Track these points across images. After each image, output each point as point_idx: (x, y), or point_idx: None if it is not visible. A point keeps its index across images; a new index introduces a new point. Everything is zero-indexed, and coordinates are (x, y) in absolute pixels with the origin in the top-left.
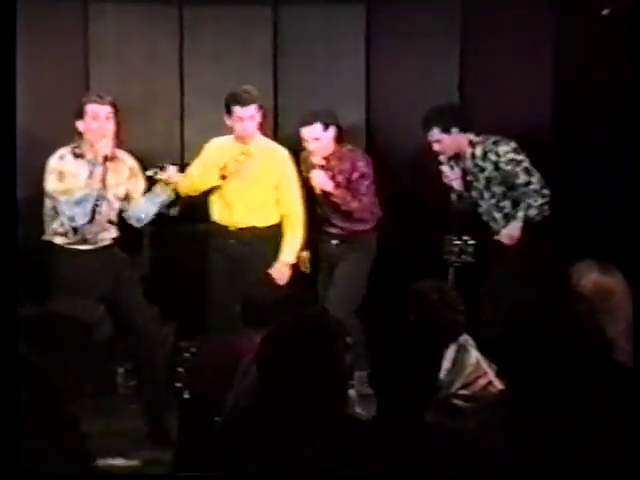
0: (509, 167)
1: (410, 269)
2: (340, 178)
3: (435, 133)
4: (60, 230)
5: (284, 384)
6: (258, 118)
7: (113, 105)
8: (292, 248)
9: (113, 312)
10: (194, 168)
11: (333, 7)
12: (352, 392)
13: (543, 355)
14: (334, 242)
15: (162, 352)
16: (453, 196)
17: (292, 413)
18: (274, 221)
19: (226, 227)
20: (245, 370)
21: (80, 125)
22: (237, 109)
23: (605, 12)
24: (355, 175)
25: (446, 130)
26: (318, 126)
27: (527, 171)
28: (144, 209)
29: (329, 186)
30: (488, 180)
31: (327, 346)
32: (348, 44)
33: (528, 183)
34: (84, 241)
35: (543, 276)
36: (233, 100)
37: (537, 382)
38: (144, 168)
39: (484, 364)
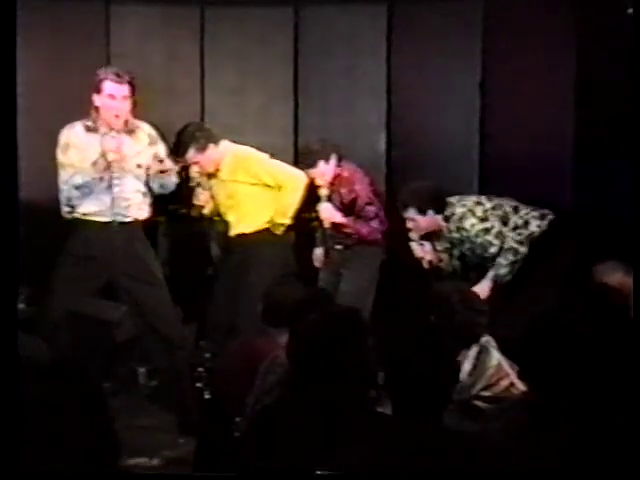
0: (480, 239)
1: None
2: (346, 202)
3: (411, 213)
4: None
5: (312, 379)
6: (210, 151)
7: (131, 84)
8: (285, 209)
9: (135, 311)
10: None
11: (354, 7)
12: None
13: (566, 356)
14: (338, 247)
15: (182, 353)
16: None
17: (314, 411)
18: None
19: (230, 236)
20: (266, 370)
21: (97, 100)
22: (189, 154)
23: (630, 11)
24: (360, 202)
25: (422, 211)
26: (321, 164)
27: (499, 235)
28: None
29: (338, 218)
30: (472, 250)
31: (357, 343)
32: (369, 44)
33: (501, 248)
34: (97, 213)
35: (564, 276)
36: (179, 147)
37: (560, 383)
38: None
39: (506, 365)
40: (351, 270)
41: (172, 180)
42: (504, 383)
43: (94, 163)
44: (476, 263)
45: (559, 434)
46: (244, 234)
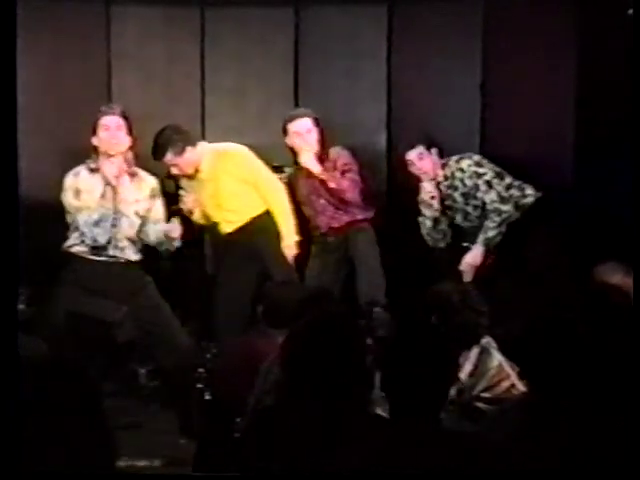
0: (471, 181)
1: (431, 271)
2: (327, 166)
3: (419, 149)
4: (78, 242)
5: (307, 382)
6: (185, 157)
7: (124, 116)
8: (288, 227)
9: (133, 314)
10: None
11: (354, 8)
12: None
13: (567, 356)
14: (330, 239)
15: (182, 354)
16: (428, 222)
17: (314, 412)
18: (262, 209)
19: (222, 235)
20: (267, 370)
21: (94, 140)
22: (166, 158)
23: (630, 12)
24: (339, 165)
25: (428, 149)
26: (309, 120)
27: (488, 184)
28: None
29: (317, 168)
30: (465, 196)
31: (350, 345)
32: (369, 44)
33: (484, 209)
34: (94, 251)
35: (563, 276)
36: (157, 150)
37: (560, 384)
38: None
39: (507, 366)
40: (360, 253)
41: (175, 244)
42: (505, 384)
43: (102, 195)
44: (464, 231)
45: (560, 435)
46: (239, 228)
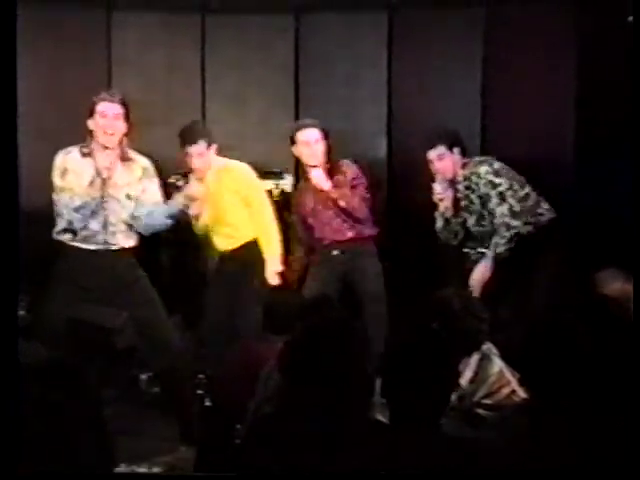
0: (485, 189)
1: (432, 277)
2: (336, 182)
3: (440, 149)
4: (66, 225)
5: (306, 388)
6: (209, 152)
7: (123, 104)
8: (274, 255)
9: (126, 309)
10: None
11: (355, 15)
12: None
13: (567, 363)
14: (335, 252)
15: (181, 362)
16: (439, 222)
17: (314, 419)
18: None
19: (218, 253)
20: (267, 377)
21: (90, 123)
22: (187, 147)
23: (630, 19)
24: (349, 179)
25: (450, 149)
26: (317, 131)
27: (501, 196)
28: (157, 220)
29: (327, 185)
30: (481, 199)
31: (350, 351)
32: (370, 52)
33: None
34: (85, 240)
35: (564, 280)
36: (182, 139)
37: (561, 391)
38: (158, 172)
39: (507, 373)
40: (365, 267)
41: (174, 212)
42: (505, 391)
43: (90, 183)
44: (474, 234)
45: (561, 442)
46: (235, 249)
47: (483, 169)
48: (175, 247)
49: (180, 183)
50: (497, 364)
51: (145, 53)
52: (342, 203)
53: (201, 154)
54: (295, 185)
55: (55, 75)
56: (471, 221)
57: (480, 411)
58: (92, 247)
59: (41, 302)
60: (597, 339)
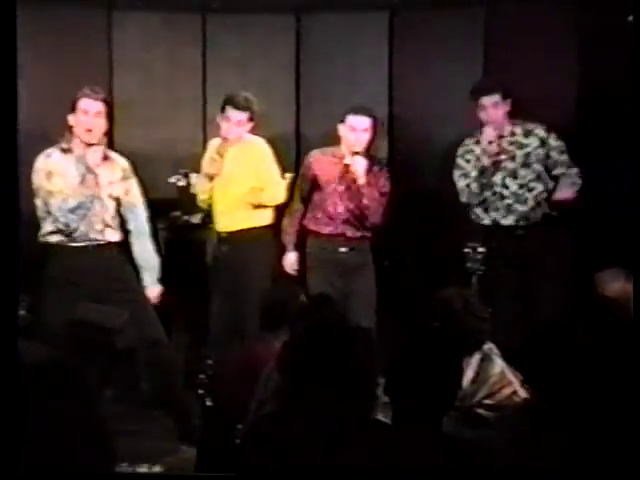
0: (559, 142)
1: (432, 277)
2: (369, 179)
3: (495, 97)
4: (54, 229)
5: (306, 388)
6: (247, 125)
7: (106, 102)
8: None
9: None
10: (197, 182)
11: (356, 15)
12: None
13: (569, 364)
14: (343, 249)
15: (177, 362)
16: (474, 172)
17: (314, 419)
18: (261, 222)
19: (218, 233)
20: (267, 377)
21: (71, 119)
22: (230, 111)
23: (630, 18)
24: (380, 184)
25: (505, 98)
26: (369, 120)
27: (560, 149)
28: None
29: (363, 180)
30: (527, 156)
31: (350, 351)
32: (371, 51)
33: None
34: (73, 239)
35: (565, 283)
36: (230, 102)
37: (563, 391)
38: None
39: (509, 373)
40: (364, 270)
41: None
42: (507, 391)
43: (82, 181)
44: (535, 177)
45: (562, 442)
46: (236, 231)
47: (539, 129)
48: (176, 246)
49: (181, 183)
50: (498, 364)
51: (146, 52)
52: (366, 201)
53: (240, 123)
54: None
55: (56, 75)
56: (505, 179)
57: (481, 411)
58: (80, 244)
59: (41, 302)
60: (598, 339)
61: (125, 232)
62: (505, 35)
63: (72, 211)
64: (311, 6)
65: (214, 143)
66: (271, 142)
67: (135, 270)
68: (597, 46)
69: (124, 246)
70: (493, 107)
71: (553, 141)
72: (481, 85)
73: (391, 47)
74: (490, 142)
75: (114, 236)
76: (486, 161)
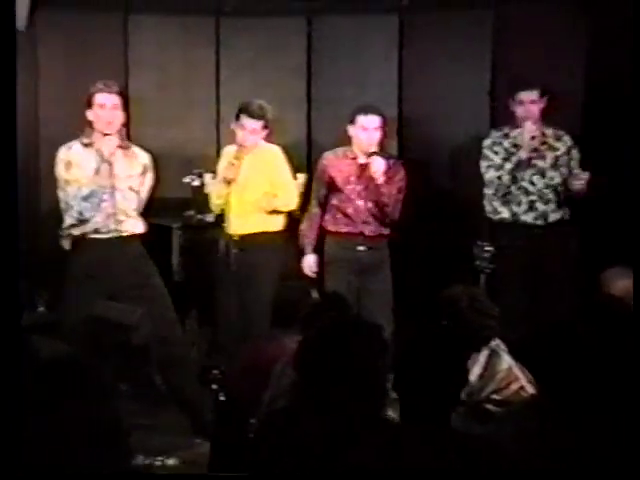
0: (580, 154)
1: (441, 275)
2: (387, 177)
3: (535, 94)
4: (74, 222)
5: (322, 386)
6: (262, 133)
7: (121, 94)
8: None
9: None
10: (212, 186)
11: (366, 18)
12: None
13: (576, 361)
14: (361, 248)
15: (191, 358)
16: (508, 165)
17: (326, 415)
18: (274, 228)
19: (230, 235)
20: (280, 372)
21: (89, 114)
22: (245, 119)
23: None
24: (396, 180)
25: (543, 95)
26: (379, 119)
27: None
28: None
29: (382, 179)
30: (557, 159)
31: (365, 350)
32: (380, 53)
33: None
34: (95, 231)
35: (575, 281)
36: (245, 110)
37: (570, 388)
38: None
39: (516, 369)
40: (381, 269)
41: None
42: (514, 387)
43: (97, 171)
44: (561, 180)
45: (568, 438)
46: (248, 234)
47: (567, 137)
48: (190, 245)
49: (196, 183)
50: (506, 360)
51: (161, 55)
52: (385, 199)
53: (255, 131)
54: None
55: (75, 75)
56: (533, 177)
57: (489, 406)
58: (103, 236)
59: (60, 299)
60: (603, 338)
61: (148, 224)
62: (512, 36)
63: (85, 199)
64: (322, 9)
65: (229, 150)
66: (282, 142)
67: (156, 265)
68: (603, 47)
69: (147, 239)
70: (531, 103)
71: (576, 153)
72: (520, 80)
73: (400, 49)
74: (533, 137)
75: (137, 228)
76: (524, 155)
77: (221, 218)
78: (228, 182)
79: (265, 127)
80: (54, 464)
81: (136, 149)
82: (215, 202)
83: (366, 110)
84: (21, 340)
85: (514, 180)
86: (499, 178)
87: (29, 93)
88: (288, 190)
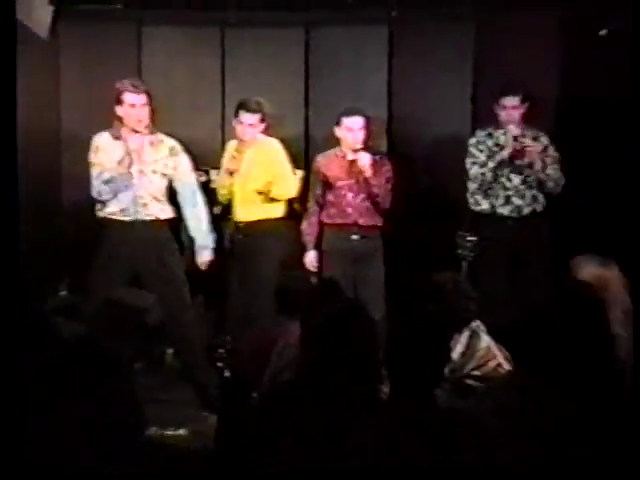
0: (556, 153)
1: (427, 262)
2: (374, 170)
3: (516, 100)
4: (96, 199)
5: (325, 365)
6: (259, 126)
7: (147, 93)
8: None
9: (155, 281)
10: (218, 179)
11: (359, 28)
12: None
13: (548, 341)
14: (354, 237)
15: (199, 338)
16: (491, 163)
17: (326, 388)
18: (275, 215)
19: (236, 222)
20: (280, 352)
21: (119, 110)
22: (243, 114)
23: (602, 33)
24: (384, 171)
25: (524, 101)
26: (362, 119)
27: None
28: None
29: (369, 172)
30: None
31: (364, 333)
32: (372, 61)
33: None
34: (120, 212)
35: (547, 268)
36: (242, 106)
37: (542, 364)
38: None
39: (494, 348)
40: (375, 258)
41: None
42: (492, 364)
43: (120, 161)
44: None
45: (541, 410)
46: (251, 221)
47: (545, 139)
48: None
49: (202, 178)
50: (485, 340)
51: (171, 63)
52: (375, 190)
53: (253, 125)
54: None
55: (92, 81)
56: (505, 171)
57: (469, 382)
58: (127, 219)
59: (80, 283)
60: (573, 319)
61: (177, 209)
62: (493, 46)
63: (105, 182)
64: (319, 21)
65: (232, 144)
66: (283, 143)
67: (180, 250)
68: (579, 58)
69: (174, 224)
70: (513, 108)
71: (552, 151)
72: (505, 87)
73: (390, 57)
74: (516, 138)
75: (163, 213)
76: (506, 154)
77: (226, 210)
78: (231, 173)
79: (262, 120)
80: (75, 436)
81: (162, 136)
82: (220, 192)
83: (350, 112)
84: (22, 339)
85: (495, 177)
86: (482, 174)
87: (52, 96)
88: (287, 178)
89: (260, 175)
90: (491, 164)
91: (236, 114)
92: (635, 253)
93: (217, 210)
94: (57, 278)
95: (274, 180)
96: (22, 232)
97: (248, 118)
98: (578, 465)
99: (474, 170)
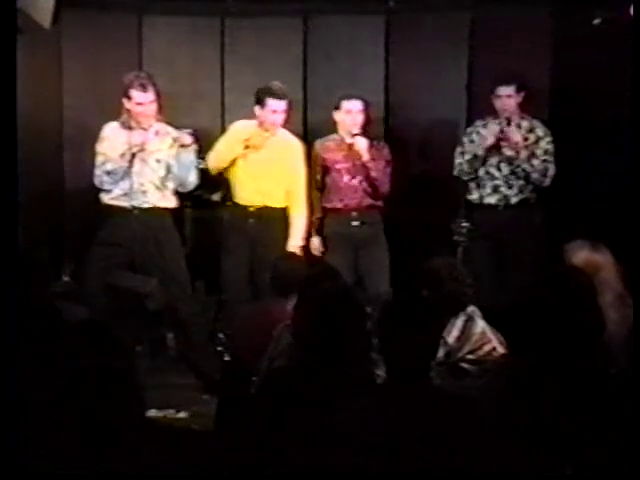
0: (549, 146)
1: (423, 248)
2: (372, 154)
3: (511, 89)
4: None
5: (316, 346)
6: (286, 113)
7: (155, 90)
8: (298, 232)
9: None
10: (220, 142)
11: (356, 18)
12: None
13: (540, 325)
14: (355, 223)
15: (200, 323)
16: (464, 156)
17: (321, 372)
18: (284, 204)
19: (245, 207)
20: (279, 335)
21: (127, 104)
22: (271, 102)
23: (596, 22)
24: (383, 156)
25: (519, 90)
26: (361, 103)
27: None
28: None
29: (367, 156)
30: (524, 148)
31: (354, 314)
32: (369, 50)
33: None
34: (121, 198)
35: (538, 254)
36: (269, 93)
37: (535, 348)
38: None
39: (489, 332)
40: (376, 243)
41: (190, 159)
42: (487, 348)
43: (122, 155)
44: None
45: (534, 392)
46: (261, 207)
47: (544, 131)
48: (199, 222)
49: (202, 165)
50: (480, 325)
51: (172, 51)
52: (373, 174)
53: (281, 111)
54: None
55: (94, 70)
56: (495, 160)
57: (464, 365)
58: (128, 205)
59: (83, 269)
60: (564, 303)
61: (180, 198)
62: (487, 38)
63: (107, 173)
64: (317, 10)
65: (240, 126)
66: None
67: (180, 238)
68: (572, 50)
69: (175, 213)
70: (508, 97)
71: (544, 144)
72: (499, 76)
73: (387, 46)
74: (509, 125)
75: (163, 201)
76: (486, 144)
77: (226, 197)
78: (247, 147)
79: (290, 104)
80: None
81: (168, 128)
82: (221, 157)
83: (349, 96)
84: (19, 332)
85: (478, 165)
86: (460, 164)
87: (54, 85)
88: (298, 198)
89: (274, 170)
90: (467, 156)
91: (259, 102)
92: (633, 242)
93: (217, 197)
94: (60, 264)
95: (285, 183)
96: (24, 219)
97: (276, 105)
98: (570, 444)
99: (456, 160)
